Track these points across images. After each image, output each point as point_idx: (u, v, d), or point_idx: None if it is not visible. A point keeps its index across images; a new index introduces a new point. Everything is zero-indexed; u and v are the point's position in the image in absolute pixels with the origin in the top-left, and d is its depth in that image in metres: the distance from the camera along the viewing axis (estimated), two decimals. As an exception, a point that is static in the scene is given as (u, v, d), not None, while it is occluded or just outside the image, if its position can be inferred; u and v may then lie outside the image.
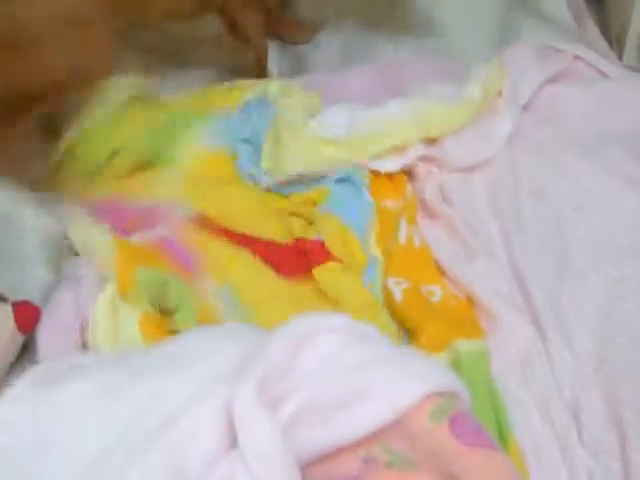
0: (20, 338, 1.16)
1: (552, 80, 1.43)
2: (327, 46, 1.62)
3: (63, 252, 1.22)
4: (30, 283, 1.21)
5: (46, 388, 0.93)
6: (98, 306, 1.12)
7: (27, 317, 1.16)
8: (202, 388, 0.87)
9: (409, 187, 1.31)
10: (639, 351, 1.10)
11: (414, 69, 1.50)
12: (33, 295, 1.18)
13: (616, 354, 1.10)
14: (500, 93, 1.38)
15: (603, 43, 1.63)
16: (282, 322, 1.08)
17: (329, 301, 1.16)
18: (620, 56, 1.61)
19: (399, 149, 1.31)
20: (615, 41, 1.63)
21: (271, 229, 1.24)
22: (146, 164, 1.33)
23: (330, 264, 1.20)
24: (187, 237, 1.20)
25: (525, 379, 1.08)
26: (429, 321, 1.13)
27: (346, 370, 0.88)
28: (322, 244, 1.22)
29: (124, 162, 1.32)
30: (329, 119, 1.31)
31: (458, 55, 1.58)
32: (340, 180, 1.29)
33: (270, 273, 1.19)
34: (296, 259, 1.21)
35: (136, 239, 1.19)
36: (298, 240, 1.24)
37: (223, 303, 1.16)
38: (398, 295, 1.17)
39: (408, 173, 1.32)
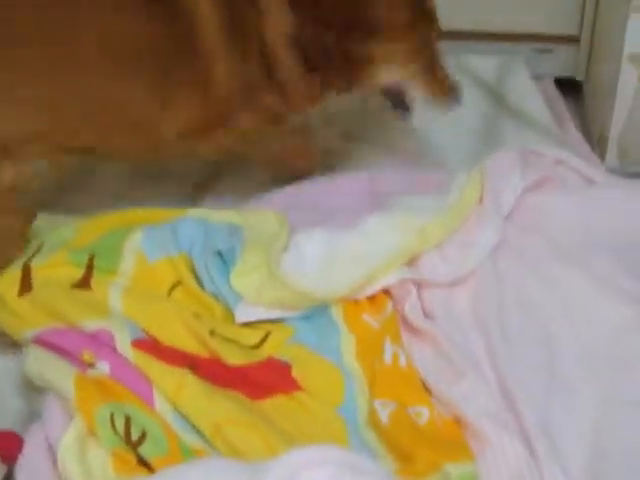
0: (3, 468, 1.14)
1: (534, 187, 1.42)
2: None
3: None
4: (9, 416, 1.21)
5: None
6: (63, 446, 1.11)
7: (10, 447, 1.15)
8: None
9: (389, 304, 1.29)
10: (633, 468, 1.08)
11: (397, 180, 1.49)
12: (12, 427, 1.18)
13: (610, 471, 1.08)
14: (480, 201, 1.37)
15: (585, 145, 1.64)
16: (244, 447, 1.08)
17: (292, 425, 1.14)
18: (602, 157, 1.62)
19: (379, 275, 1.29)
20: (597, 143, 1.64)
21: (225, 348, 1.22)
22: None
23: (294, 394, 1.17)
24: (136, 365, 1.18)
25: None
26: (417, 445, 1.10)
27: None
28: (289, 370, 1.20)
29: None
30: (304, 250, 1.29)
31: (443, 160, 1.59)
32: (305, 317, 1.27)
33: (222, 394, 1.16)
34: (260, 380, 1.19)
35: (92, 373, 1.17)
36: (269, 359, 1.22)
37: (181, 430, 1.13)
38: (385, 418, 1.15)
39: (385, 291, 1.30)
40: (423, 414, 1.16)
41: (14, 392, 1.25)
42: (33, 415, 1.19)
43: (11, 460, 1.14)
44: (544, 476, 1.08)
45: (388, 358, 1.22)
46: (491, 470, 1.08)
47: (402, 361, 1.22)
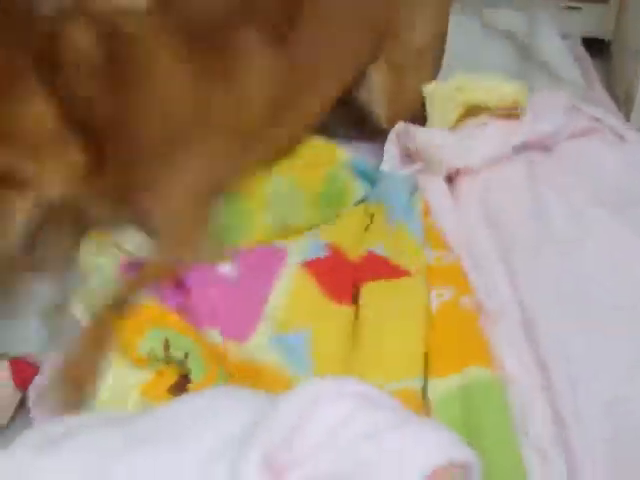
0: (17, 394, 1.13)
1: (579, 134, 1.44)
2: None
3: (63, 314, 1.20)
4: (26, 341, 1.17)
5: (40, 454, 0.89)
6: None
7: (24, 374, 1.14)
8: (204, 460, 0.85)
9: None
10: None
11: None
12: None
13: (625, 413, 1.06)
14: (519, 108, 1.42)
15: (612, 105, 1.63)
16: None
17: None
18: (628, 117, 1.60)
19: None
20: (623, 103, 1.62)
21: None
22: None
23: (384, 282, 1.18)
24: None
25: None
26: (450, 342, 1.11)
27: (353, 441, 0.85)
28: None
29: None
30: None
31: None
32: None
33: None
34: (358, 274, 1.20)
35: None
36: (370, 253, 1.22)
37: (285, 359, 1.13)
38: (434, 308, 1.16)
39: None
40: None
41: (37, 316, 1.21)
42: (53, 341, 1.17)
43: (25, 386, 1.12)
44: (557, 404, 1.06)
45: (431, 258, 1.24)
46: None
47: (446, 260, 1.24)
